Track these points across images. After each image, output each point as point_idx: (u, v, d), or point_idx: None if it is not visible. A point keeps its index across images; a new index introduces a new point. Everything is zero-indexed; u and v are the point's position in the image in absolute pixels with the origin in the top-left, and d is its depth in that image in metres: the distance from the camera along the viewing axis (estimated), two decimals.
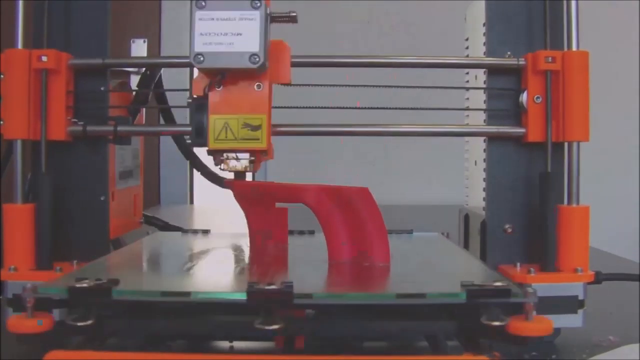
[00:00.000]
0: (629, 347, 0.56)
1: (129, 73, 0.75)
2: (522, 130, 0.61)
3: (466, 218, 0.74)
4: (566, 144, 0.59)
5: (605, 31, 1.99)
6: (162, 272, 0.61)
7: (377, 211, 0.56)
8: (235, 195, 0.63)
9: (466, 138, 0.76)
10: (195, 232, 0.74)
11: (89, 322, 0.44)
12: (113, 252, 0.64)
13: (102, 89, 0.61)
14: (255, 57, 0.53)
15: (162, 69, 0.72)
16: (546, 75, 0.59)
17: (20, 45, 0.58)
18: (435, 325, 0.48)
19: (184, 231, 0.76)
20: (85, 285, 0.45)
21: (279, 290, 0.44)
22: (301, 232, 0.73)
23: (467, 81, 0.74)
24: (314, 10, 1.94)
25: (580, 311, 0.57)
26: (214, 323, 0.48)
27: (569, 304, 0.57)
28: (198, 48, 0.53)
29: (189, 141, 0.58)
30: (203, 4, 0.53)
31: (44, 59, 0.57)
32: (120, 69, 0.72)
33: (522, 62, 0.60)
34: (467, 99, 0.75)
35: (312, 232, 0.73)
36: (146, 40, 0.72)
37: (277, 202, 0.63)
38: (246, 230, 0.66)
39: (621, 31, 2.08)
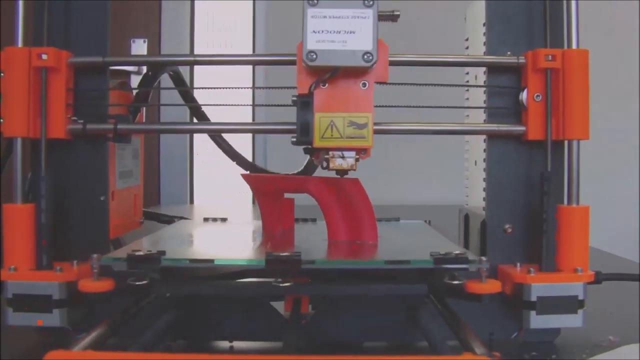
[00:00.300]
0: (629, 347, 0.56)
1: (129, 73, 0.75)
2: (522, 128, 0.60)
3: (466, 218, 0.74)
4: (566, 142, 0.59)
5: (605, 30, 1.99)
6: (194, 248, 0.68)
7: (367, 199, 0.64)
8: (251, 187, 0.72)
9: (466, 138, 0.76)
10: (215, 219, 0.83)
11: (145, 282, 0.54)
12: (149, 235, 0.70)
13: (102, 87, 0.61)
14: (369, 55, 0.53)
15: (180, 68, 0.73)
16: (546, 74, 0.59)
17: (20, 44, 0.58)
18: (412, 287, 0.57)
19: (206, 219, 0.83)
20: (141, 253, 0.55)
21: (290, 257, 0.53)
22: (305, 220, 0.81)
23: (467, 81, 0.74)
24: None
25: (580, 311, 0.57)
26: (241, 285, 0.60)
27: (569, 304, 0.57)
28: (311, 46, 0.53)
29: (293, 139, 0.57)
30: (315, 1, 0.53)
31: (44, 57, 0.57)
32: (120, 68, 0.72)
33: (522, 60, 0.60)
34: (467, 99, 0.75)
35: (314, 220, 0.81)
36: (146, 40, 0.72)
37: (286, 193, 0.71)
38: (255, 219, 0.76)
39: (621, 30, 2.08)
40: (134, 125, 0.64)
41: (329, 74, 0.55)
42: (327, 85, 0.56)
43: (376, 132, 0.57)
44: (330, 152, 0.57)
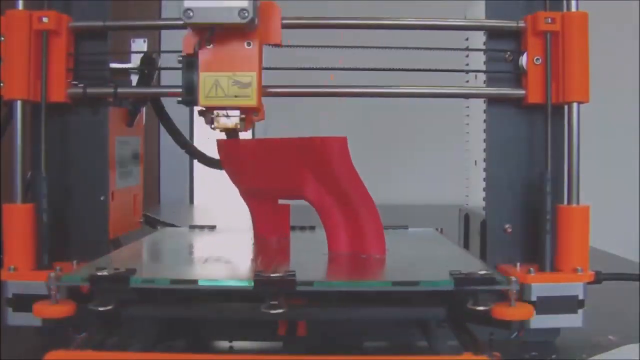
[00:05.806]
0: (629, 347, 0.56)
1: (129, 72, 0.75)
2: (522, 92, 0.60)
3: (466, 218, 0.74)
4: (566, 108, 0.58)
5: (605, 29, 1.99)
6: (175, 263, 0.63)
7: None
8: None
9: (467, 138, 0.76)
10: (202, 227, 0.77)
11: (109, 307, 0.48)
12: (125, 246, 0.66)
13: (102, 52, 0.61)
14: (245, 12, 0.53)
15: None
16: (546, 37, 0.59)
17: (20, 7, 0.57)
18: (427, 311, 0.52)
19: (192, 227, 0.78)
20: (105, 273, 0.49)
21: (283, 278, 0.48)
22: (302, 228, 0.76)
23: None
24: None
25: (580, 311, 0.57)
26: (224, 309, 0.52)
27: (569, 304, 0.57)
28: (187, 4, 0.53)
29: (179, 99, 0.57)
30: None
31: (45, 20, 0.57)
32: (120, 67, 0.72)
33: (521, 24, 0.60)
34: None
35: (312, 228, 0.75)
36: (146, 40, 0.72)
37: (280, 199, 0.67)
38: (249, 226, 0.70)
39: (622, 29, 2.07)
40: (133, 89, 0.65)
41: (209, 32, 0.55)
42: (212, 45, 0.56)
43: (267, 94, 0.57)
44: (215, 111, 0.57)
